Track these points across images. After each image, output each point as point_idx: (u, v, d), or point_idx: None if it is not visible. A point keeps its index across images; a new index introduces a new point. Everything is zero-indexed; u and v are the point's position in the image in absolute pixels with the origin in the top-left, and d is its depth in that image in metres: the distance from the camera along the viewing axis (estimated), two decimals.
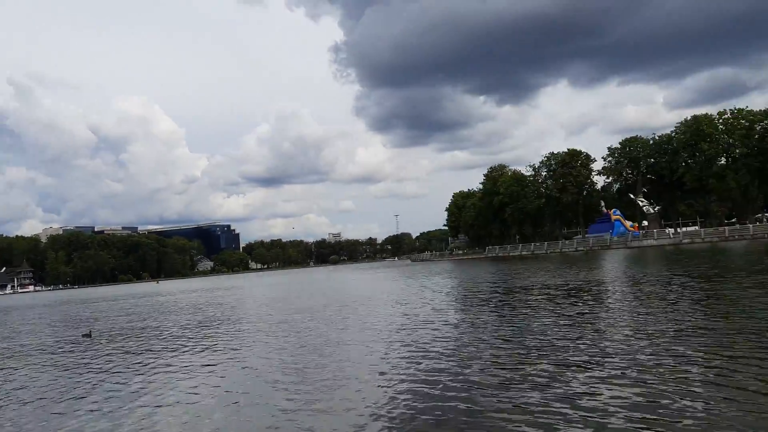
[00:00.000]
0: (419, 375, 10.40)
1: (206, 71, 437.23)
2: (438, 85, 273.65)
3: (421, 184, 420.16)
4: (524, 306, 20.07)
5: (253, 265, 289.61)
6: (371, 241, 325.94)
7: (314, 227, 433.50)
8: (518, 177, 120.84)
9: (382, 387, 9.80)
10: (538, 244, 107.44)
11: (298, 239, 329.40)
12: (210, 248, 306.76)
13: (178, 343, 18.18)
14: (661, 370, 9.23)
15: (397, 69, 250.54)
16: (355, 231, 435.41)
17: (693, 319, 13.68)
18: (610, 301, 19.49)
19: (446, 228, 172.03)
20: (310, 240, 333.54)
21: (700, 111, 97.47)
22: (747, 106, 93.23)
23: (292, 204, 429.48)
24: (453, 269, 65.87)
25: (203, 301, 43.68)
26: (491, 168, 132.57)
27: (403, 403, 8.68)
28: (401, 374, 10.59)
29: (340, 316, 22.20)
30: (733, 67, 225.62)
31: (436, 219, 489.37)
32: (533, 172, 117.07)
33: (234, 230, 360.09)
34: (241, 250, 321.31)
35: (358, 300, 30.18)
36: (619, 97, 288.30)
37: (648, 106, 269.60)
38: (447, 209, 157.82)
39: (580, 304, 19.01)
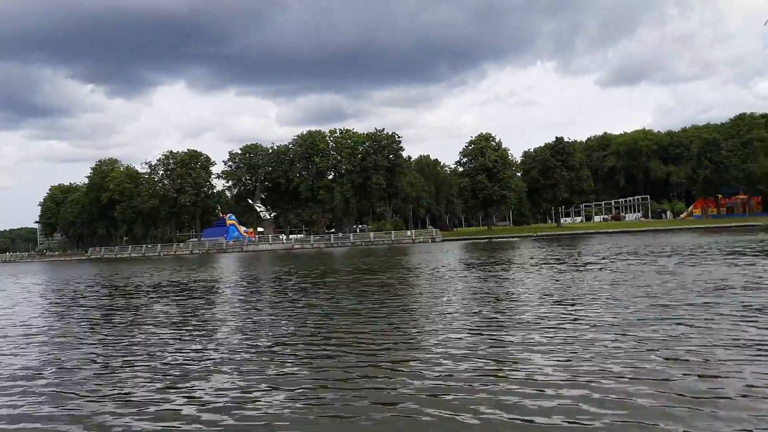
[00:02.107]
0: None
1: None
2: (35, 64, 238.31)
3: (6, 174, 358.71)
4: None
5: None
6: None
7: None
8: (132, 174, 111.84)
9: None
10: (150, 246, 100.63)
11: None
12: None
13: None
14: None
15: None
16: None
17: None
18: (215, 298, 19.13)
19: (38, 225, 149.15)
20: None
21: (307, 129, 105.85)
22: (354, 129, 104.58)
23: None
24: (42, 271, 56.37)
25: None
26: (100, 161, 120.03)
27: None
28: None
29: None
30: (336, 95, 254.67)
31: (25, 215, 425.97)
32: (149, 170, 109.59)
33: None
34: None
35: None
36: (237, 107, 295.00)
37: (263, 119, 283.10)
38: (41, 204, 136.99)
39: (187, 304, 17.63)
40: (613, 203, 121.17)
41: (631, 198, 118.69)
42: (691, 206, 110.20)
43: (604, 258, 27.61)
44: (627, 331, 9.48)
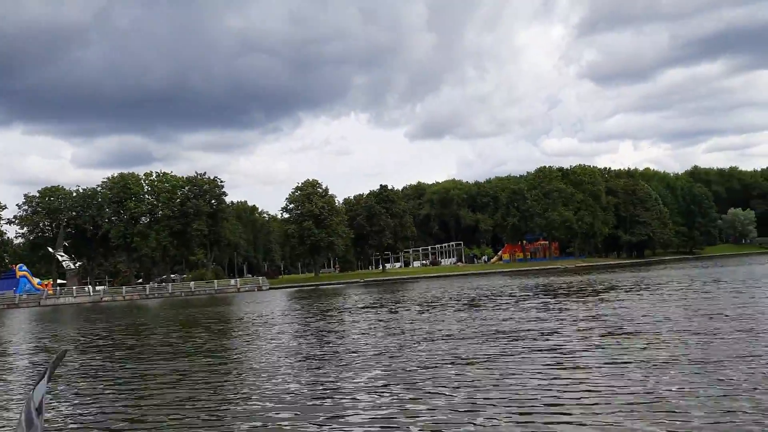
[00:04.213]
0: None
1: None
2: None
3: None
4: None
5: None
6: None
7: None
8: None
9: None
10: None
11: None
12: None
13: None
14: None
15: None
16: None
17: None
18: None
19: None
20: None
21: (109, 173, 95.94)
22: (172, 171, 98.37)
23: None
24: None
25: None
26: None
27: None
28: None
29: None
30: (142, 137, 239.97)
31: None
32: None
33: None
34: None
35: None
36: (24, 146, 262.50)
37: (56, 160, 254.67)
38: None
39: None
40: (430, 249, 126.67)
41: (445, 244, 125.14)
42: (501, 251, 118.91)
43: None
44: None
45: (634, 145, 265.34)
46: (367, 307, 28.63)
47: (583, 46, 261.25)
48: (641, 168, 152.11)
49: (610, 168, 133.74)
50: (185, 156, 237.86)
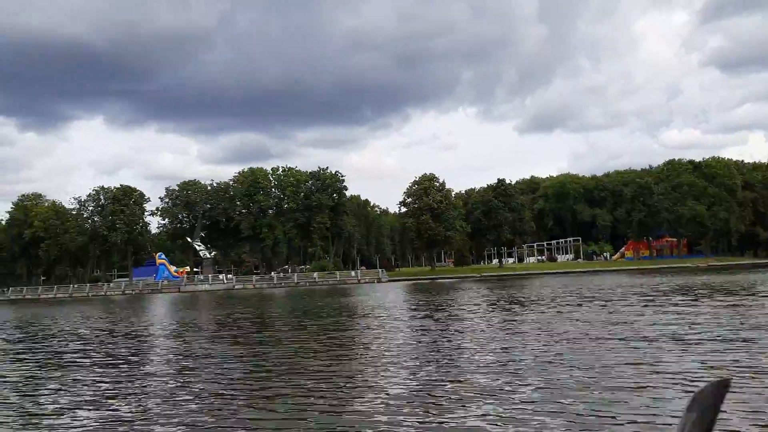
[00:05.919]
0: None
1: None
2: None
3: None
4: None
5: None
6: None
7: None
8: (59, 209, 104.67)
9: None
10: (77, 286, 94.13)
11: None
12: None
13: None
14: None
15: None
16: None
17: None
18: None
19: None
20: None
21: (231, 169, 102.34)
22: (297, 166, 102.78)
23: None
24: None
25: None
26: (23, 196, 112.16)
27: None
28: None
29: None
30: (260, 134, 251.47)
31: None
32: (78, 206, 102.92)
33: None
34: None
35: None
36: (157, 143, 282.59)
37: (184, 157, 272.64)
38: None
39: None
40: (545, 245, 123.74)
41: (561, 240, 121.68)
42: (623, 248, 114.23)
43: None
44: None
45: (766, 136, 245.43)
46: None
47: (707, 32, 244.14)
48: None
49: (744, 160, 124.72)
50: (300, 152, 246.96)
